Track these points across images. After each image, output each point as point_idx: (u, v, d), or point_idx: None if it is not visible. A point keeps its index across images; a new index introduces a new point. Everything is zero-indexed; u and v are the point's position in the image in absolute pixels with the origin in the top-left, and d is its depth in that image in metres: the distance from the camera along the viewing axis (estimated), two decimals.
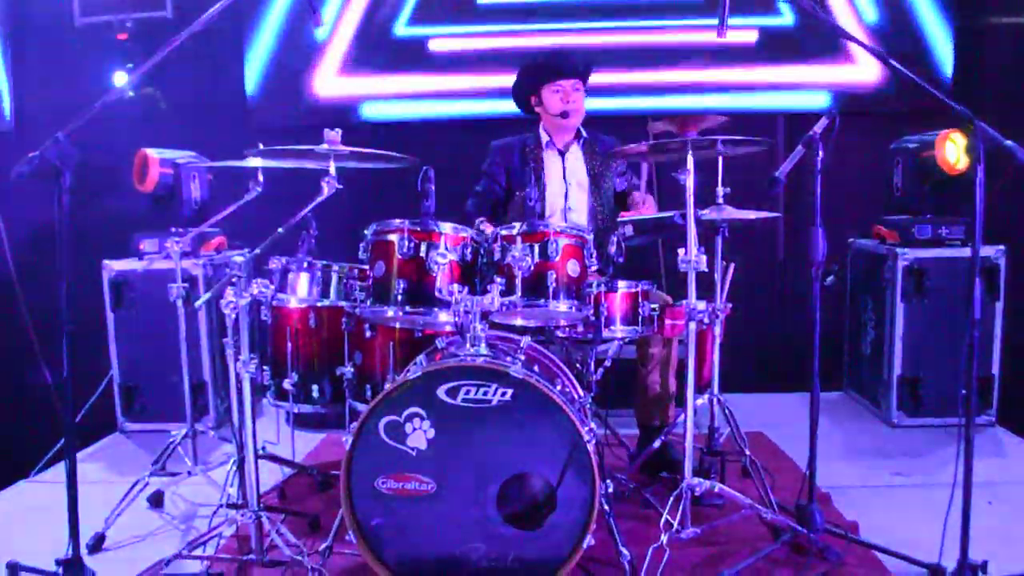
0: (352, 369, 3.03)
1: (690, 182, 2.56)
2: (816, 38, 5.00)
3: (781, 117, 5.14)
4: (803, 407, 2.64)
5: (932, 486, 3.15)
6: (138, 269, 4.23)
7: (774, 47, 5.06)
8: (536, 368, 2.49)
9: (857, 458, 3.74)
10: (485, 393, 2.30)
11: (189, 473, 3.17)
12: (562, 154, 3.55)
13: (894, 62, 2.38)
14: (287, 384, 3.10)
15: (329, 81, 5.23)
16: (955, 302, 3.95)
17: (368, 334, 2.99)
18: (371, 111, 5.25)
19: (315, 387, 3.15)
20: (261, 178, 3.06)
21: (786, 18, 5.05)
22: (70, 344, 2.50)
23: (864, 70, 5.03)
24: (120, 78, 5.09)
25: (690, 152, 2.56)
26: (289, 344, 3.10)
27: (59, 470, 3.75)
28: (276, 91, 5.27)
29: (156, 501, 3.24)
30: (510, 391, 2.30)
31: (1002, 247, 4.00)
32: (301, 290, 2.96)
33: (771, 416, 4.22)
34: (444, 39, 5.16)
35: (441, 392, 2.31)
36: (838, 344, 4.80)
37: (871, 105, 5.00)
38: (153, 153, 4.21)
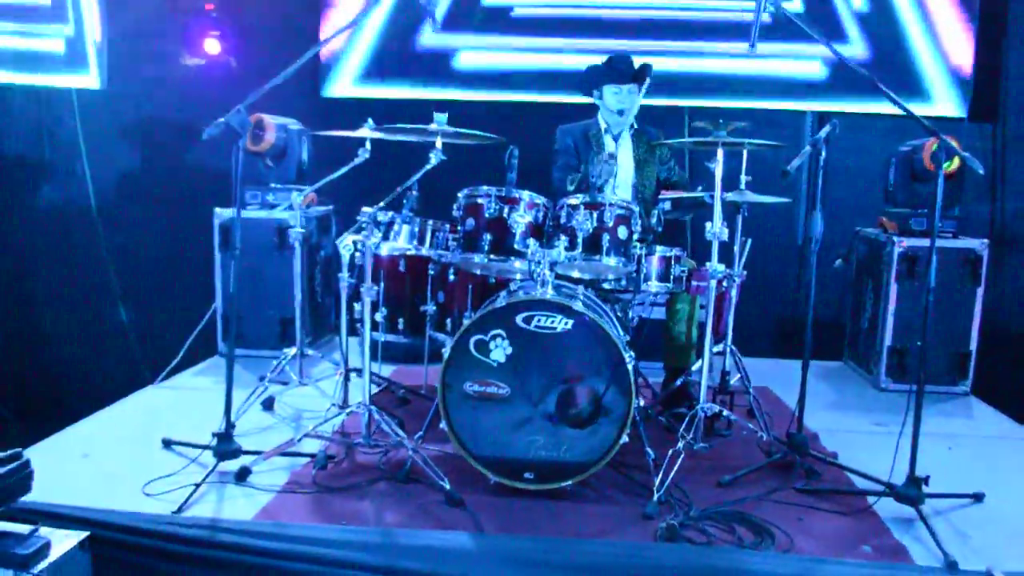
0: (435, 306, 3.74)
1: (718, 170, 3.24)
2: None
3: (809, 114, 5.70)
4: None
5: (905, 434, 3.81)
6: (244, 216, 4.93)
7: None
8: (591, 308, 3.18)
9: (845, 412, 4.42)
10: (552, 322, 3.00)
11: (301, 383, 3.91)
12: (616, 140, 4.20)
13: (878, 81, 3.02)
14: (377, 317, 3.81)
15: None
16: (942, 286, 4.55)
17: (451, 278, 3.70)
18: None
19: (401, 320, 3.87)
20: (369, 145, 3.68)
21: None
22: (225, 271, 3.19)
23: None
24: (211, 44, 5.61)
25: (720, 147, 3.23)
26: (382, 284, 3.80)
27: (175, 381, 4.50)
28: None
29: (268, 405, 3.99)
30: (571, 321, 3.00)
31: (986, 240, 4.62)
32: (403, 240, 3.64)
33: (779, 376, 4.80)
34: None
35: (519, 319, 3.01)
36: (844, 320, 5.39)
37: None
38: (269, 119, 4.88)
